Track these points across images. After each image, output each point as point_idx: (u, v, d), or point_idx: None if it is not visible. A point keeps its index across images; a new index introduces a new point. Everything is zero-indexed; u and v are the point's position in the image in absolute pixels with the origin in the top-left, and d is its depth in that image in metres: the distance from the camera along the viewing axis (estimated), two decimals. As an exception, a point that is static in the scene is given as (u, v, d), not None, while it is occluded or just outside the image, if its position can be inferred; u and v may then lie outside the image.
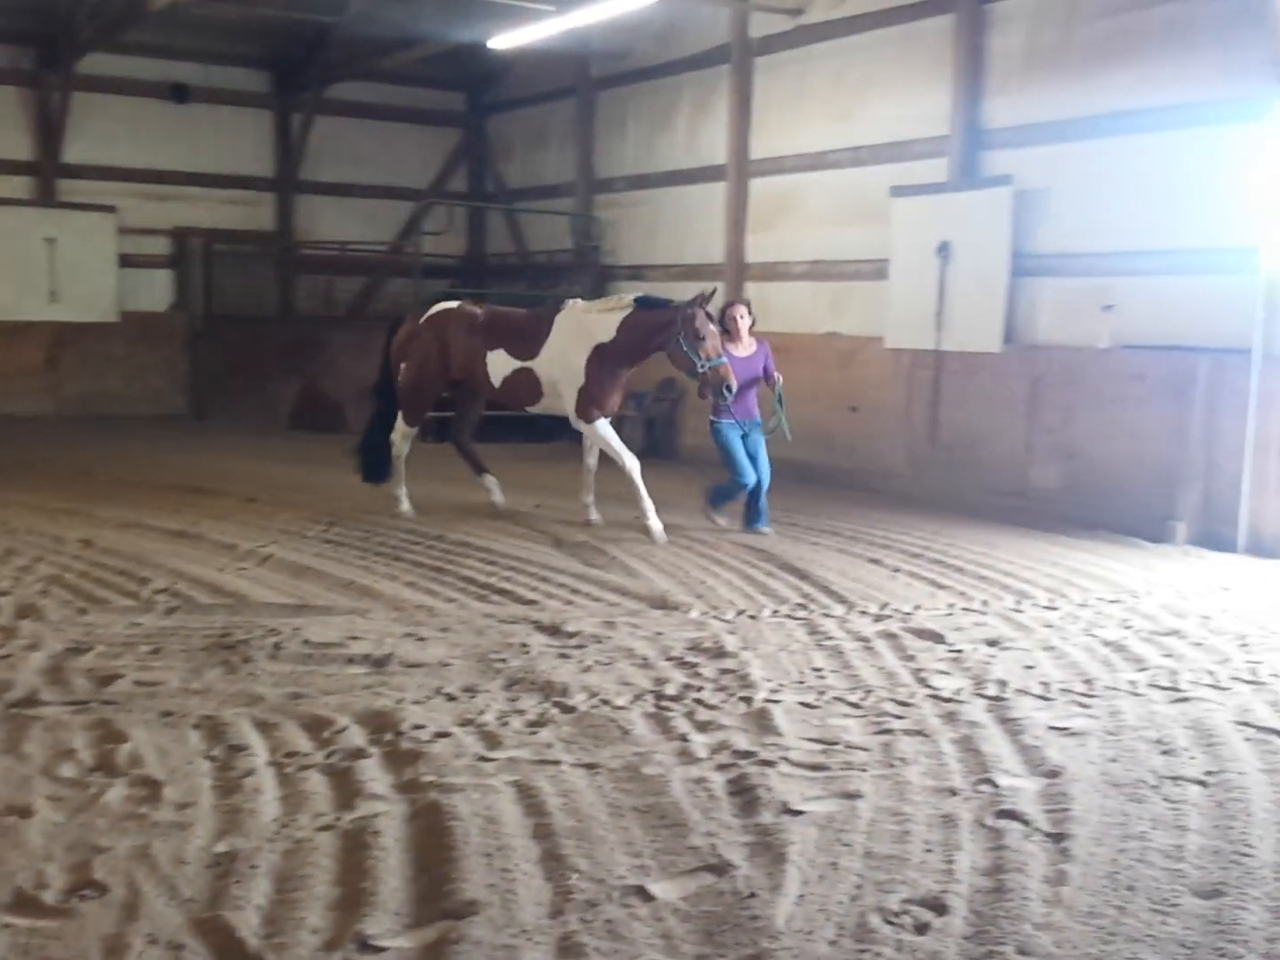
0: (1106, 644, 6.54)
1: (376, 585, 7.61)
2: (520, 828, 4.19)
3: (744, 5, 13.42)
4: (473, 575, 7.90)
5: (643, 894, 3.75)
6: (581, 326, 9.36)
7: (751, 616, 7.06)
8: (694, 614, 7.11)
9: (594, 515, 9.70)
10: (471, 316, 9.87)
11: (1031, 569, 8.37)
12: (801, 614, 7.11)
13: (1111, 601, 7.51)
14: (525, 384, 9.63)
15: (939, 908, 3.67)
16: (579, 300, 9.71)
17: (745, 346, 9.24)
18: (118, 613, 6.87)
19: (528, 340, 9.57)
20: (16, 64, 15.95)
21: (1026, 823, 4.27)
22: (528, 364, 9.55)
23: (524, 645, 6.38)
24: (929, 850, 4.06)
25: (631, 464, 9.23)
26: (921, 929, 3.56)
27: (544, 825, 4.21)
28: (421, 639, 6.46)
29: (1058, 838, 4.16)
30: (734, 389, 8.68)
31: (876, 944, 3.48)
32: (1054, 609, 7.31)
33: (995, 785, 4.60)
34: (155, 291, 17.28)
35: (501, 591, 7.53)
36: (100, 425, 15.59)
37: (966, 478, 11.15)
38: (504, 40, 13.94)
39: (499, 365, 9.66)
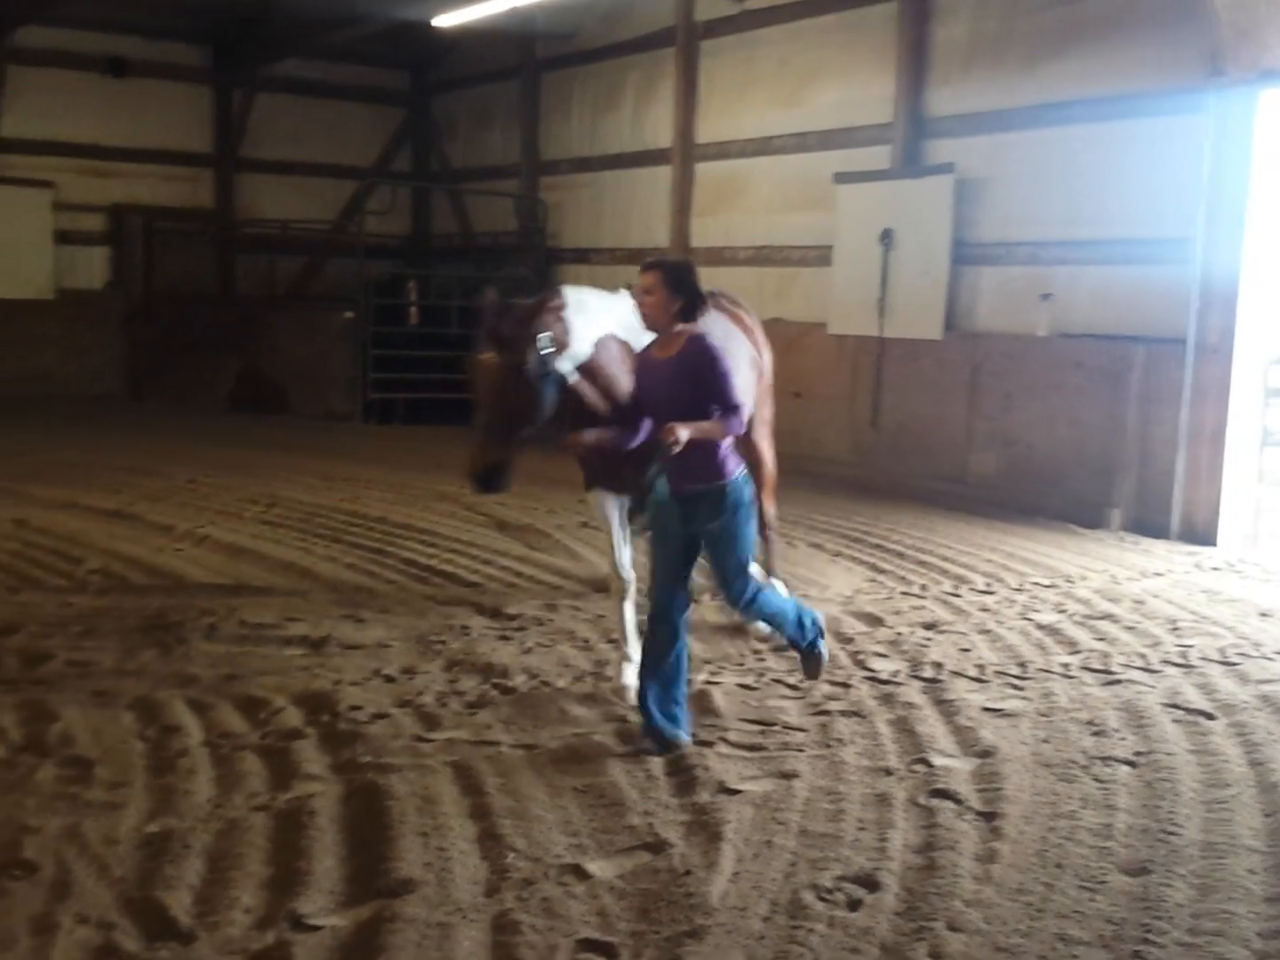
0: (1041, 628, 6.63)
1: (315, 567, 7.54)
2: (457, 807, 4.20)
3: (691, -12, 13.39)
4: (414, 557, 7.86)
5: (579, 872, 3.77)
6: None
7: (694, 600, 7.06)
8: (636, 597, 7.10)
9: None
10: None
11: (970, 554, 8.47)
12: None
13: (1047, 586, 7.62)
14: None
15: (871, 884, 3.73)
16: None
17: (667, 344, 4.85)
18: (50, 592, 6.76)
19: None
20: (-51, 35, 15.58)
21: (959, 802, 4.34)
22: None
23: (464, 627, 6.37)
24: (863, 829, 4.11)
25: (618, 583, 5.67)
26: (854, 905, 3.61)
27: (481, 805, 4.22)
28: (360, 620, 6.42)
29: (989, 816, 4.23)
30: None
31: (809, 920, 3.52)
32: (990, 593, 7.40)
33: (929, 765, 4.66)
34: (92, 269, 16.96)
35: (442, 574, 7.50)
36: (35, 404, 15.29)
37: (908, 464, 11.25)
38: (448, 18, 13.80)
39: None
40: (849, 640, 6.31)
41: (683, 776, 4.51)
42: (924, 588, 7.51)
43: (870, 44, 11.91)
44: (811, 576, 7.69)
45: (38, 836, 3.88)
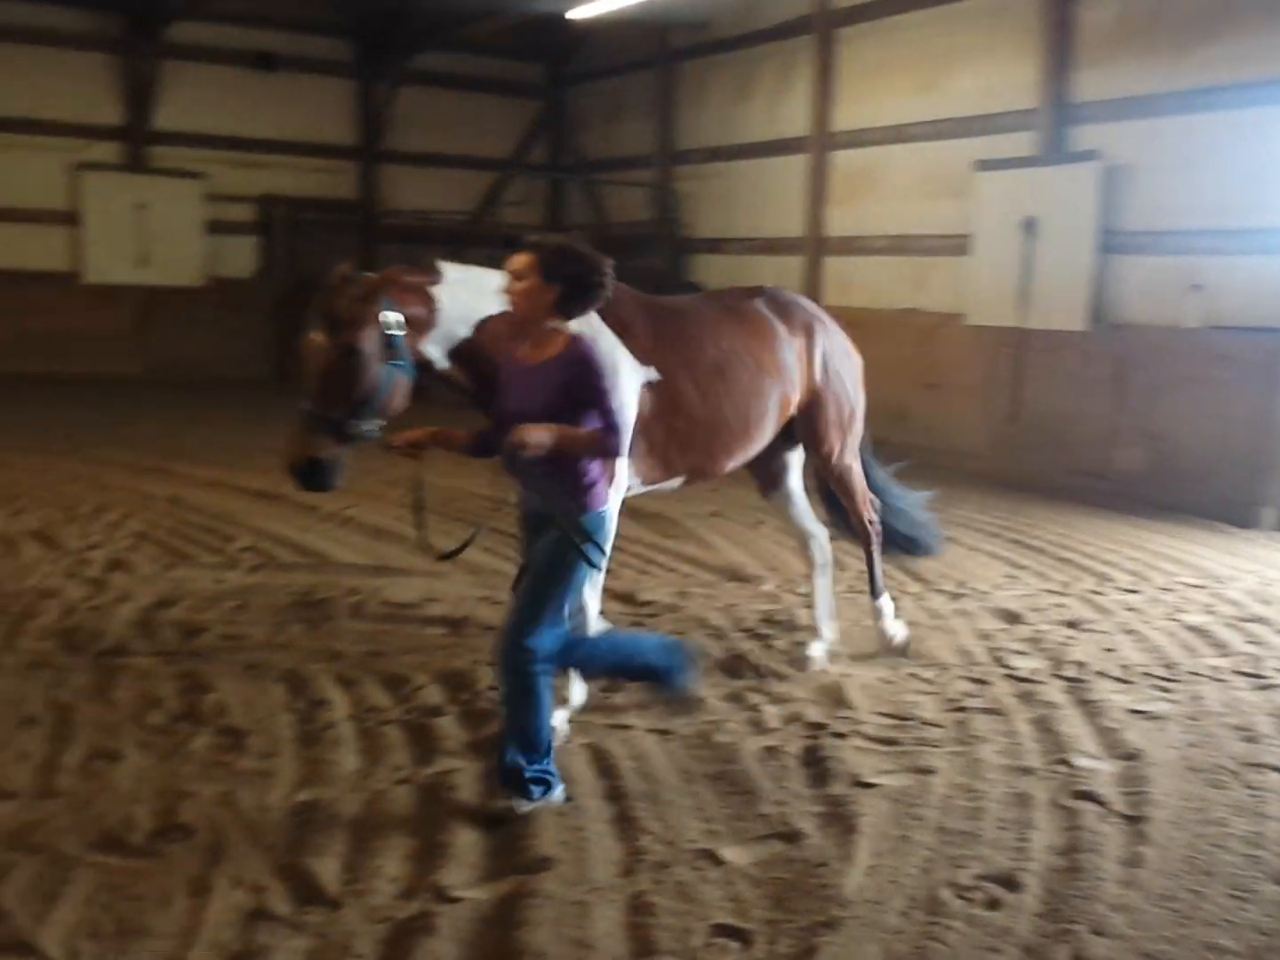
0: (1189, 629, 6.42)
1: (454, 549, 7.68)
2: (592, 788, 4.26)
3: (830, -25, 13.26)
4: (547, 542, 7.95)
5: (713, 858, 3.79)
6: None
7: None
8: (767, 587, 7.10)
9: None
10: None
11: (1113, 551, 8.24)
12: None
13: (1195, 586, 7.37)
14: None
15: (1012, 884, 3.67)
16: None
17: (539, 345, 4.09)
18: (204, 568, 7.04)
19: None
20: (107, 31, 16.22)
21: (1103, 804, 4.24)
22: None
23: (599, 612, 6.42)
24: (1002, 828, 4.05)
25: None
26: (993, 905, 3.56)
27: (616, 787, 4.27)
28: (497, 602, 6.52)
29: (1134, 820, 4.12)
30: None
31: (947, 917, 3.48)
32: (1135, 592, 7.19)
33: (1071, 766, 4.56)
34: (241, 258, 17.53)
35: (575, 559, 7.57)
36: (186, 387, 15.89)
37: (1048, 458, 10.99)
38: (583, 10, 13.89)
39: None
40: (987, 636, 6.20)
41: (816, 768, 4.50)
42: (1065, 585, 7.33)
43: (1012, 28, 11.64)
44: (947, 570, 7.57)
45: (194, 802, 4.04)
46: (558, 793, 4.13)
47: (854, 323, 10.97)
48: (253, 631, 5.89)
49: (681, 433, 5.02)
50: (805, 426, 5.64)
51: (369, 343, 4.23)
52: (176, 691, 5.07)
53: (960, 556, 8.00)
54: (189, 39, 16.49)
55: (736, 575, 7.32)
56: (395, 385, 4.35)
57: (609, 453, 4.04)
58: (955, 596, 6.98)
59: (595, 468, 4.10)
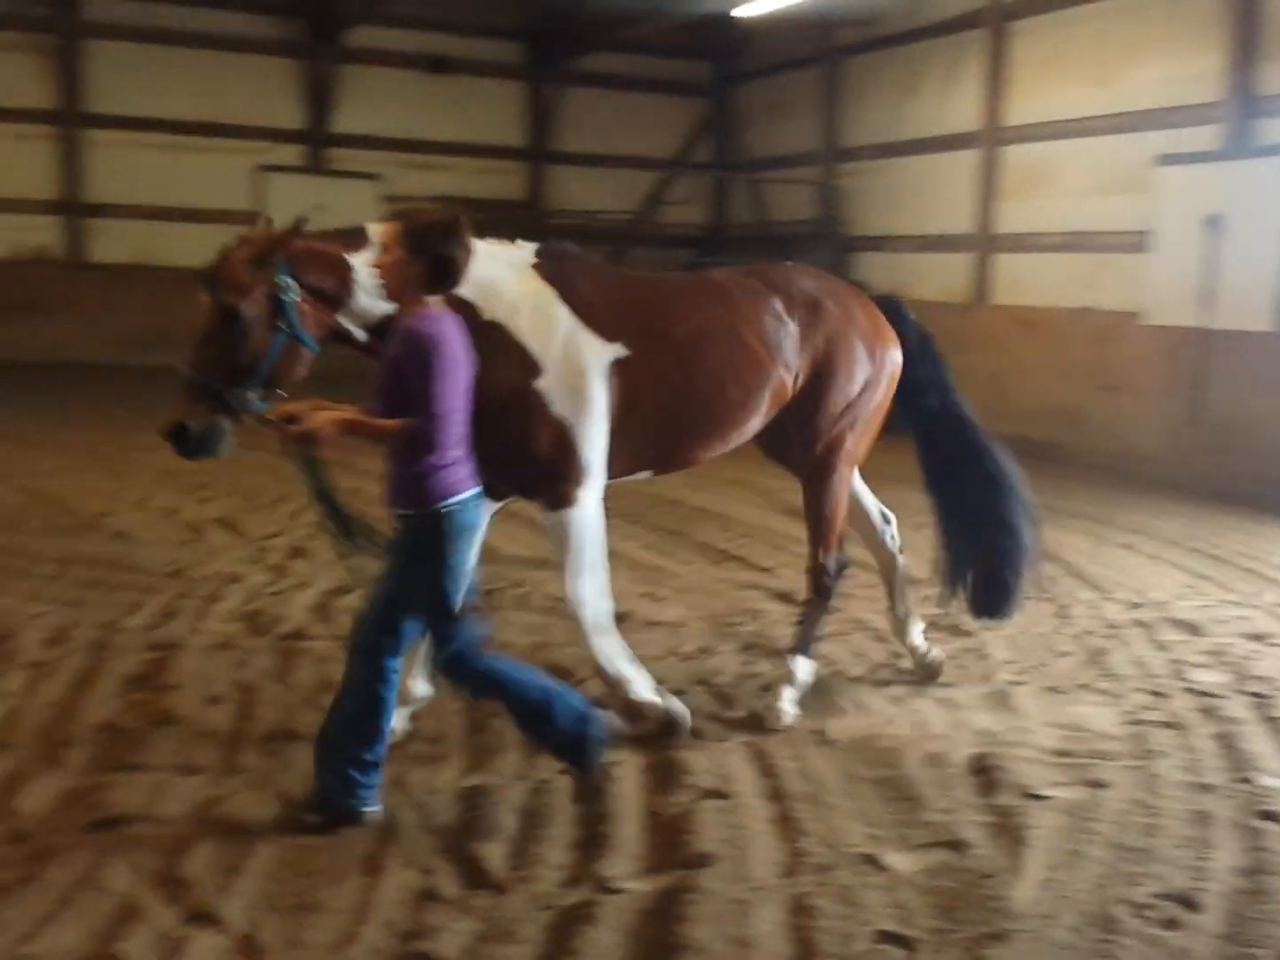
0: (1386, 646, 6.07)
1: (616, 545, 7.68)
2: (753, 787, 4.25)
3: (1004, -33, 12.94)
4: (708, 540, 7.97)
5: (876, 863, 3.74)
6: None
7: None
8: (930, 591, 6.96)
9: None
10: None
11: (1302, 563, 7.85)
12: (1046, 597, 6.85)
13: (1392, 602, 6.96)
14: None
15: (1191, 904, 3.53)
16: None
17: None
18: (379, 558, 7.23)
19: None
20: (289, 37, 16.87)
21: (1290, 826, 4.04)
22: None
23: (757, 611, 6.42)
24: (1181, 846, 3.90)
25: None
26: (1171, 924, 3.44)
27: (776, 786, 4.26)
28: (658, 599, 6.57)
29: (1325, 844, 3.92)
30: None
31: (1121, 935, 3.38)
32: (1326, 606, 6.84)
33: (1255, 784, 4.36)
34: (411, 258, 18.01)
35: (736, 558, 7.58)
36: (362, 382, 16.37)
37: (1233, 464, 10.49)
38: (749, 9, 13.86)
39: None
40: (1166, 648, 5.97)
41: (984, 777, 4.40)
42: (1249, 596, 6.99)
43: (1196, 18, 11.16)
44: (1123, 579, 7.30)
45: (367, 783, 4.17)
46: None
47: (1026, 322, 10.79)
48: (422, 620, 6.04)
49: (640, 421, 4.57)
50: (796, 416, 5.01)
51: (252, 306, 3.95)
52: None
53: (1137, 564, 7.71)
54: (366, 44, 17.04)
55: (899, 578, 7.18)
56: (286, 355, 4.07)
57: (420, 445, 3.74)
58: (1133, 606, 6.73)
59: (433, 460, 3.77)
